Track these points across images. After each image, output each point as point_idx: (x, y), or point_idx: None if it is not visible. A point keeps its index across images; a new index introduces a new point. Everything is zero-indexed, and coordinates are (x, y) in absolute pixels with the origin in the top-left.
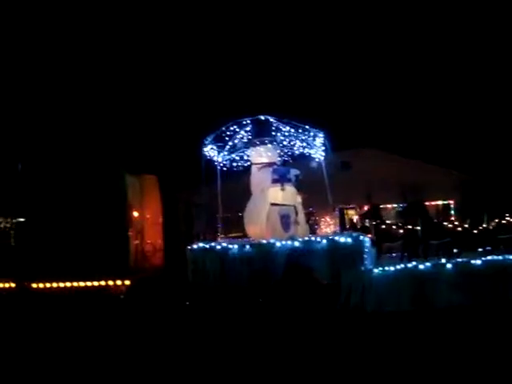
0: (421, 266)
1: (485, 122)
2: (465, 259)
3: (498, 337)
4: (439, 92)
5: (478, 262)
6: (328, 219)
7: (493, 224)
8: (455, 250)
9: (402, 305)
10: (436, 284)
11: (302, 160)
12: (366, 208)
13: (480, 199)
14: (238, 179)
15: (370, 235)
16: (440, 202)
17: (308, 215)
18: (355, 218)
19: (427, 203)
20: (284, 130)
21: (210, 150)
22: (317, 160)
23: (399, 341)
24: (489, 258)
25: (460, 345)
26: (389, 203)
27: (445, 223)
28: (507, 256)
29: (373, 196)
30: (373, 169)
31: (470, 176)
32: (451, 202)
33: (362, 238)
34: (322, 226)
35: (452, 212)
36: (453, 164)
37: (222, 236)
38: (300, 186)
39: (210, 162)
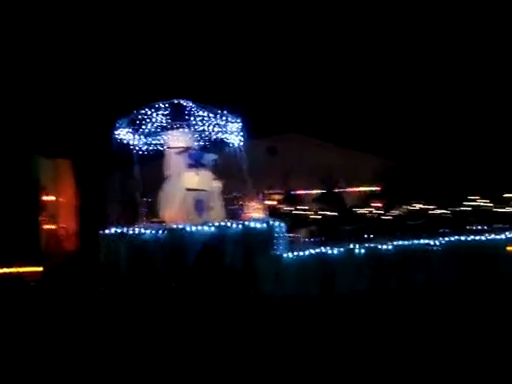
0: (332, 251)
1: (408, 110)
2: (374, 244)
3: (394, 321)
4: (364, 79)
5: (387, 246)
6: (255, 204)
7: (403, 210)
8: (367, 236)
9: (311, 289)
10: (344, 269)
11: (223, 145)
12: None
13: (403, 185)
14: (156, 163)
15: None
16: (366, 189)
17: (232, 200)
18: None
19: (354, 189)
20: (200, 114)
21: (124, 134)
22: (235, 145)
23: (296, 327)
24: (397, 242)
25: (353, 330)
26: (314, 189)
27: (358, 209)
28: (415, 241)
29: (295, 181)
30: (299, 154)
31: (395, 162)
32: (377, 188)
33: (274, 223)
34: (248, 211)
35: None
36: (378, 150)
37: (145, 220)
38: (217, 171)
39: (127, 145)
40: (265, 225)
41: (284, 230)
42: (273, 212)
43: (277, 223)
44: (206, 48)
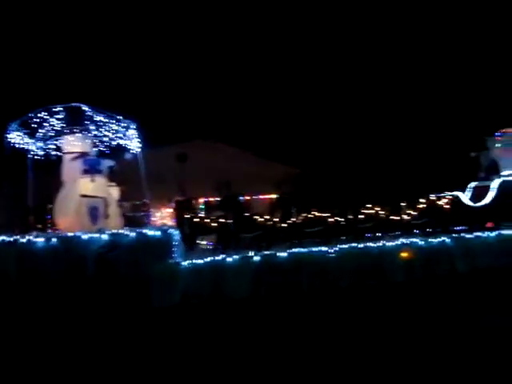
0: (228, 259)
1: (313, 118)
2: (271, 252)
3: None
4: (270, 87)
5: (284, 254)
6: (165, 211)
7: (301, 218)
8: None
9: (206, 296)
10: (239, 276)
11: (123, 151)
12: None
13: (305, 193)
14: (52, 169)
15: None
16: (273, 196)
17: (140, 207)
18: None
19: (262, 196)
20: (97, 119)
21: (16, 137)
22: (134, 152)
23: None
24: (294, 250)
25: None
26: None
27: (257, 217)
28: (311, 248)
29: (202, 187)
30: (208, 161)
31: (301, 170)
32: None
33: (171, 230)
34: (157, 218)
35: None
36: (284, 158)
37: (45, 228)
38: (116, 178)
39: (21, 150)
40: (162, 232)
41: (179, 237)
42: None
43: (174, 231)
44: (108, 52)
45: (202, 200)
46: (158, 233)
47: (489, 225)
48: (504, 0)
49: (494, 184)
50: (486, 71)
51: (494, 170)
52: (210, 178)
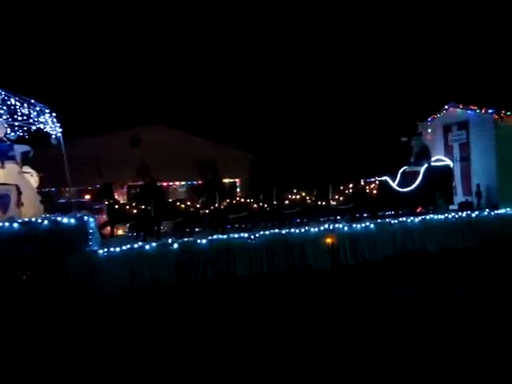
0: (147, 247)
1: (269, 105)
2: (191, 239)
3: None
4: (227, 74)
5: (204, 241)
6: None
7: (224, 204)
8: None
9: (124, 285)
10: (158, 264)
11: (44, 137)
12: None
13: (263, 177)
14: None
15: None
16: (227, 180)
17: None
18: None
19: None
20: (9, 103)
21: None
22: (54, 137)
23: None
24: (214, 237)
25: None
26: (177, 180)
27: (178, 203)
28: (232, 235)
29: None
30: (161, 145)
31: (257, 155)
32: (237, 180)
33: (86, 218)
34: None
35: (238, 190)
36: (241, 143)
37: None
38: (28, 163)
39: None
40: (77, 220)
41: (95, 225)
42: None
43: (89, 218)
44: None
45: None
46: (73, 221)
47: (418, 210)
48: None
49: (422, 169)
50: (417, 57)
51: (424, 155)
52: (165, 163)
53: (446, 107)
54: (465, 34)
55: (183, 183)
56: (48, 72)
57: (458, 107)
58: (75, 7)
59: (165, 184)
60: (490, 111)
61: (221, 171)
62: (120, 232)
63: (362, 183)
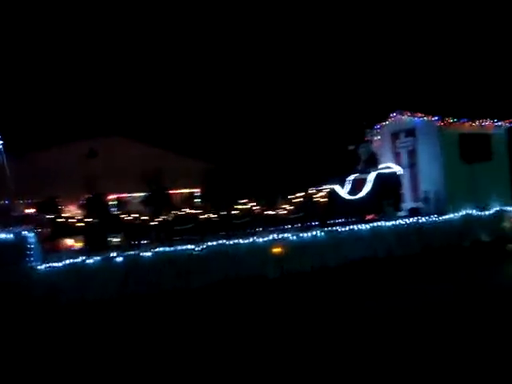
0: (89, 261)
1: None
2: (136, 252)
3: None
4: (180, 85)
5: (148, 254)
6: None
7: (171, 215)
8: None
9: (64, 300)
10: (101, 277)
11: None
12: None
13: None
14: None
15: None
16: (186, 191)
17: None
18: None
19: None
20: None
21: None
22: None
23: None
24: (159, 249)
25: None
26: (134, 192)
27: (124, 216)
28: (177, 247)
29: (112, 184)
30: (118, 157)
31: (214, 165)
32: (196, 190)
33: (25, 233)
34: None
35: (196, 200)
36: (198, 153)
37: None
38: None
39: None
40: (13, 235)
41: (36, 240)
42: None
43: (29, 233)
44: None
45: (113, 197)
46: (11, 236)
47: (369, 217)
48: None
49: (370, 177)
50: (364, 65)
51: (372, 163)
52: (123, 175)
53: (394, 114)
54: (410, 42)
55: (139, 195)
56: None
57: (405, 114)
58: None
59: (113, 196)
60: (434, 118)
61: (180, 182)
62: (70, 245)
63: (311, 192)
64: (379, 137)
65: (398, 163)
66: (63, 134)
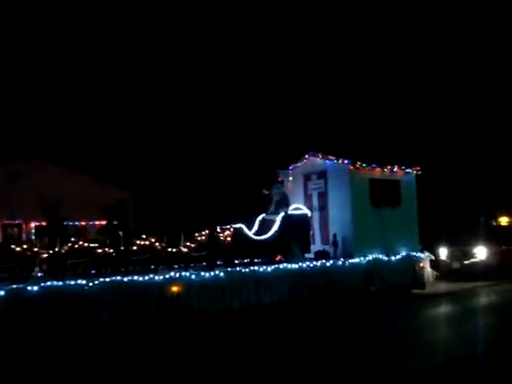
0: None
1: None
2: (19, 285)
3: None
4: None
5: (35, 288)
6: None
7: (65, 248)
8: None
9: None
10: None
11: None
12: None
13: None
14: None
15: None
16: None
17: None
18: None
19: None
20: None
21: None
22: None
23: None
24: (48, 283)
25: None
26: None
27: (13, 246)
28: (67, 281)
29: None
30: (40, 182)
31: (142, 195)
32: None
33: None
34: None
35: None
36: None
37: None
38: None
39: None
40: None
41: None
42: None
43: None
44: None
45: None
46: None
47: (277, 258)
48: None
49: (279, 217)
50: (279, 107)
51: (283, 204)
52: (40, 200)
53: (307, 156)
54: (323, 84)
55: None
56: None
57: (318, 156)
58: None
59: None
60: (345, 161)
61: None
62: None
63: (216, 230)
64: (292, 178)
65: (310, 205)
66: None
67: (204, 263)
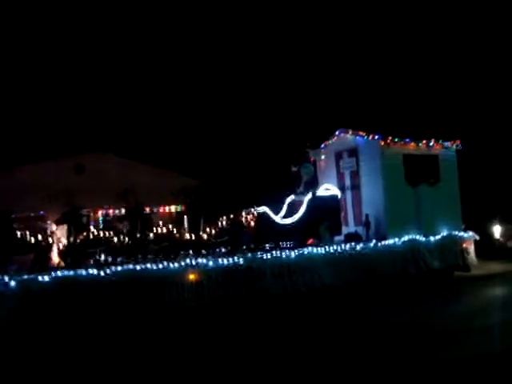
0: None
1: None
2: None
3: None
4: (162, 98)
5: (46, 278)
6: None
7: (81, 238)
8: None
9: None
10: None
11: None
12: None
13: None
14: None
15: None
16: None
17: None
18: None
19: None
20: None
21: None
22: None
23: None
24: (59, 274)
25: None
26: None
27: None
28: (80, 272)
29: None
30: (106, 173)
31: (200, 181)
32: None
33: None
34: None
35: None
36: (183, 169)
37: None
38: None
39: None
40: None
41: None
42: None
43: None
44: None
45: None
46: None
47: (309, 241)
48: None
49: (306, 199)
50: (307, 82)
51: (313, 184)
52: (108, 190)
53: (337, 133)
54: (352, 59)
55: None
56: None
57: (348, 133)
58: None
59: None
60: (376, 137)
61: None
62: None
63: (238, 215)
64: (324, 156)
65: (342, 185)
66: (49, 149)
67: (225, 249)
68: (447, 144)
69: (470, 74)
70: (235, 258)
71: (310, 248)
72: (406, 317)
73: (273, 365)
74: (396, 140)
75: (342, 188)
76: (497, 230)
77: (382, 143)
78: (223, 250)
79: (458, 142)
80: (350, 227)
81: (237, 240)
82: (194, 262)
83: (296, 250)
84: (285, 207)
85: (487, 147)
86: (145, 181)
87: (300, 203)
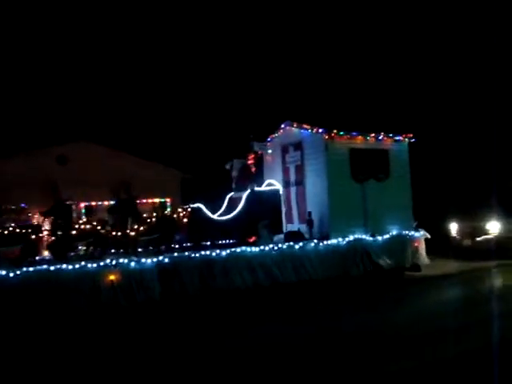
0: None
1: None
2: None
3: None
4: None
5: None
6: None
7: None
8: None
9: None
10: None
11: None
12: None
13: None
14: None
15: None
16: (157, 200)
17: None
18: None
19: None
20: None
21: None
22: None
23: None
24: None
25: None
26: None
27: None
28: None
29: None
30: (90, 163)
31: (190, 174)
32: (167, 199)
33: None
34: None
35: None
36: (173, 162)
37: None
38: None
39: None
40: None
41: None
42: None
43: None
44: None
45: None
46: None
47: (251, 239)
48: None
49: (244, 195)
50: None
51: (246, 179)
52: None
53: (283, 126)
54: (300, 51)
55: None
56: None
57: (293, 126)
58: None
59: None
60: (320, 130)
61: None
62: None
63: (169, 211)
64: (270, 151)
65: (287, 180)
66: (31, 141)
67: (152, 248)
68: (399, 138)
69: (424, 65)
70: (160, 257)
71: (243, 247)
72: (350, 325)
73: None
74: (342, 133)
75: (287, 183)
76: (453, 228)
77: (327, 137)
78: (151, 248)
79: (411, 135)
80: (294, 225)
81: (168, 238)
82: (113, 262)
83: (223, 250)
84: (225, 204)
85: (443, 141)
86: (127, 171)
87: (238, 199)
